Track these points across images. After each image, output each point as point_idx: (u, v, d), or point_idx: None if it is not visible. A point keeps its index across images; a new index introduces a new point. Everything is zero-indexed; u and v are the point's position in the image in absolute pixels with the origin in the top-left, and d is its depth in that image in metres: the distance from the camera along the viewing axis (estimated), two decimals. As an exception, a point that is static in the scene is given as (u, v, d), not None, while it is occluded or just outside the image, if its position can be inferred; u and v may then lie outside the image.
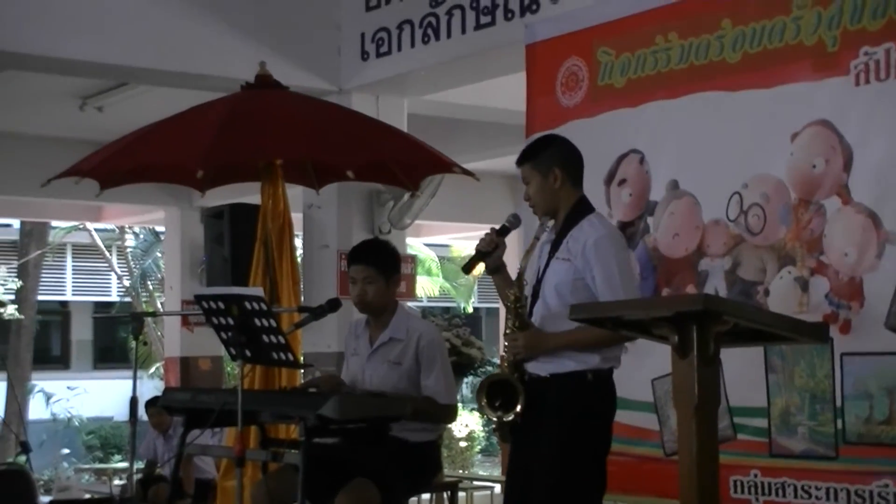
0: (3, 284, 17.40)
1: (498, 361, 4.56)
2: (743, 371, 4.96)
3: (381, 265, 5.13)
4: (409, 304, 6.00)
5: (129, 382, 6.21)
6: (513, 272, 4.44)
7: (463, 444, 15.41)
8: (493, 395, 4.32)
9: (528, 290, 4.39)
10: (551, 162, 4.38)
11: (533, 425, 4.28)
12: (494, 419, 4.33)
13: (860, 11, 4.78)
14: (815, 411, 4.84)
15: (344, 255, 7.73)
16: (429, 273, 18.67)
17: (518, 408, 4.26)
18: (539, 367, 4.33)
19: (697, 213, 5.37)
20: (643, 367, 5.38)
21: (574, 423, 4.25)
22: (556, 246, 4.38)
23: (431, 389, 5.05)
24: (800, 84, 4.99)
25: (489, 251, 4.45)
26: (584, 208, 4.41)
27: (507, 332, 4.38)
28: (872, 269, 4.71)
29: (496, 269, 4.52)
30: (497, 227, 4.50)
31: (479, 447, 16.51)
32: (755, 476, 5.02)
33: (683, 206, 5.45)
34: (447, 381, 5.05)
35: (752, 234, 5.14)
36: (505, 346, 4.39)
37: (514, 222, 4.55)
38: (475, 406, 4.71)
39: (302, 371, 7.11)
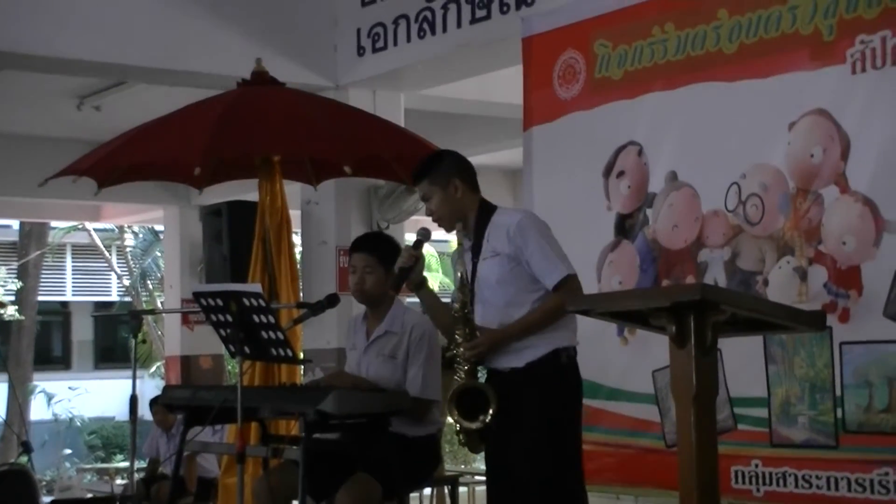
0: (3, 285, 17.40)
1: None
2: (743, 361, 4.95)
3: (382, 255, 5.15)
4: (410, 300, 5.99)
5: (130, 382, 6.21)
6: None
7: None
8: (460, 406, 4.30)
9: (457, 298, 4.41)
10: (449, 174, 4.50)
11: (514, 420, 4.26)
12: (473, 427, 4.29)
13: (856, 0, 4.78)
14: (815, 401, 4.84)
15: (342, 251, 7.73)
16: (429, 268, 18.64)
17: (491, 411, 4.25)
18: (510, 360, 4.34)
19: (696, 204, 5.36)
20: (644, 359, 5.38)
21: (562, 414, 4.31)
22: (476, 250, 4.44)
23: (408, 380, 5.05)
24: (797, 73, 4.98)
25: (411, 266, 4.51)
26: (488, 208, 4.51)
27: (460, 340, 4.37)
28: (871, 258, 4.71)
29: (420, 285, 4.58)
30: (411, 243, 4.56)
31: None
32: (756, 466, 5.02)
33: (682, 198, 5.43)
34: (425, 374, 5.04)
35: (751, 225, 5.13)
36: (456, 355, 4.37)
37: (426, 234, 4.60)
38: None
39: (302, 367, 7.10)
